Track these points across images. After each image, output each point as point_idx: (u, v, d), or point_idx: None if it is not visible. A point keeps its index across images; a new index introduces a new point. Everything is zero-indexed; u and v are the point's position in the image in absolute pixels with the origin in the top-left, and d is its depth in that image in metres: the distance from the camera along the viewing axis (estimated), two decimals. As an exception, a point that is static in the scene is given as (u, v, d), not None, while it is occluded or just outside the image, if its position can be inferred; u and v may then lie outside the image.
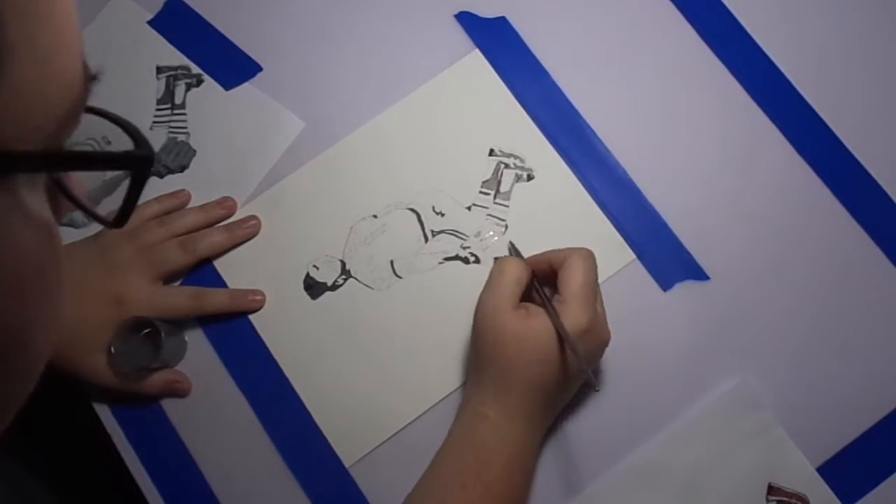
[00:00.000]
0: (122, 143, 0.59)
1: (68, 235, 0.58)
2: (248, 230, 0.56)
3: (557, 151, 0.57)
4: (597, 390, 0.46)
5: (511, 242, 0.54)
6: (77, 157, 0.21)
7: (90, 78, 0.23)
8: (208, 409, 0.54)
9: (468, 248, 0.56)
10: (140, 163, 0.25)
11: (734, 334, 0.54)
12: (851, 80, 0.57)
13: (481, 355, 0.49)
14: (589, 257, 0.49)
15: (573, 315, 0.47)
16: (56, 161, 0.21)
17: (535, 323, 0.47)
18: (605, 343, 0.49)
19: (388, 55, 0.59)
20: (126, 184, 0.25)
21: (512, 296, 0.48)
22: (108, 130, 0.51)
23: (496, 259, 0.53)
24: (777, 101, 0.57)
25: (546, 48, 0.59)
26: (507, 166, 0.57)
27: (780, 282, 0.54)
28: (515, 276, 0.49)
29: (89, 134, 0.62)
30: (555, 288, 0.49)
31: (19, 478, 0.58)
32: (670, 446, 0.52)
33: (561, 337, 0.47)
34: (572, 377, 0.49)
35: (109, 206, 0.61)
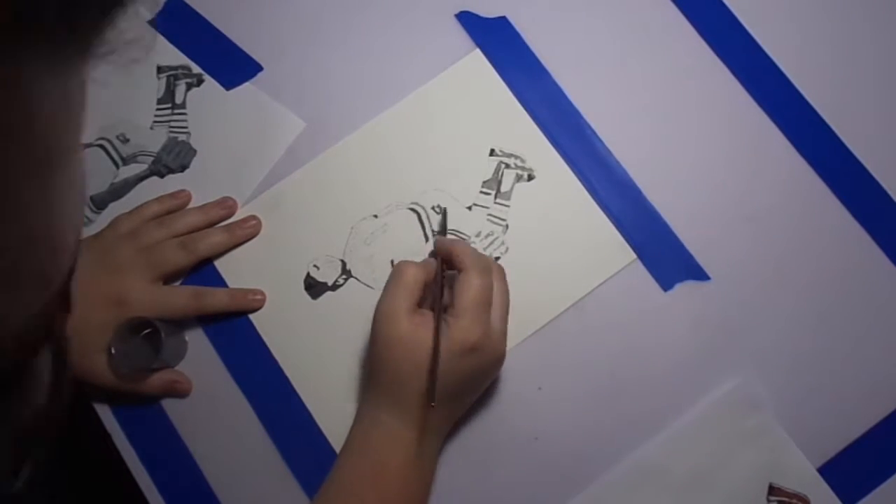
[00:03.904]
0: (139, 141, 0.59)
1: (68, 235, 0.58)
2: (248, 230, 0.56)
3: (558, 151, 0.57)
4: (432, 405, 0.44)
5: (444, 211, 0.54)
6: None
7: None
8: (208, 409, 0.54)
9: (468, 248, 0.55)
10: None
11: (735, 335, 0.54)
12: (853, 81, 0.57)
13: (374, 359, 0.49)
14: (484, 273, 0.48)
15: (463, 329, 0.46)
16: None
17: (424, 333, 0.47)
18: (498, 359, 0.49)
19: (389, 55, 0.59)
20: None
21: (405, 300, 0.48)
22: (125, 128, 0.51)
23: (394, 263, 0.52)
24: (778, 100, 0.57)
25: (547, 48, 0.59)
26: (507, 166, 0.57)
27: (781, 282, 0.54)
28: (411, 281, 0.48)
29: (103, 133, 0.62)
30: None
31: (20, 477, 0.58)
32: (671, 446, 0.52)
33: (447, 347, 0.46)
34: (466, 392, 0.49)
35: (116, 209, 0.62)
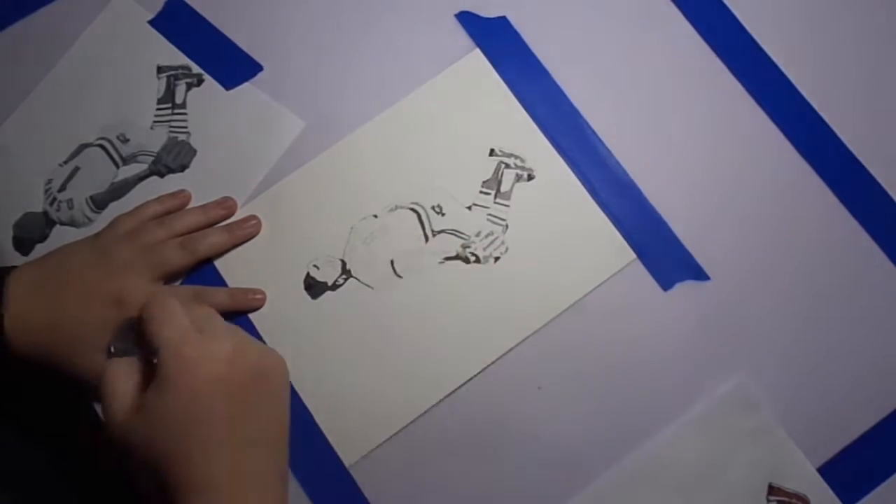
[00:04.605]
0: (140, 141, 0.59)
1: (68, 235, 0.58)
2: (248, 230, 0.56)
3: (558, 151, 0.57)
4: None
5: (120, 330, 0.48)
6: None
7: None
8: (208, 408, 0.54)
9: (469, 247, 0.56)
10: None
11: (735, 334, 0.54)
12: (853, 81, 0.58)
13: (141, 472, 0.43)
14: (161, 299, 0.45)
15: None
16: None
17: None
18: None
19: (388, 55, 0.59)
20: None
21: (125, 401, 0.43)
22: (125, 128, 0.51)
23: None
24: (778, 100, 0.57)
25: (547, 48, 0.59)
26: (507, 166, 0.57)
27: (781, 282, 0.54)
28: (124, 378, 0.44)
29: (103, 133, 0.63)
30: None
31: (20, 477, 0.58)
32: (670, 446, 0.52)
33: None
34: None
35: (116, 209, 0.62)
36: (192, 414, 0.41)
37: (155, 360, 0.43)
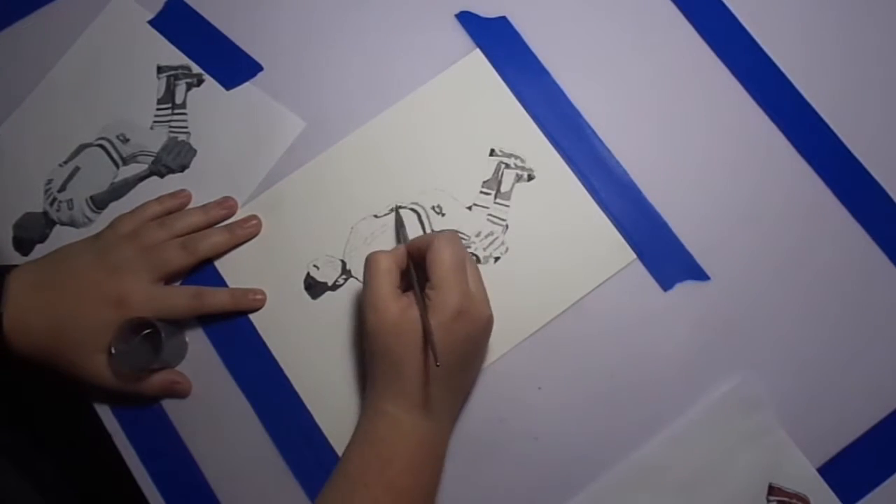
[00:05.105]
0: (140, 141, 0.59)
1: (68, 235, 0.58)
2: (248, 230, 0.56)
3: (558, 151, 0.57)
4: (438, 365, 0.44)
5: (397, 212, 0.55)
6: None
7: None
8: (208, 409, 0.54)
9: (469, 247, 0.55)
10: None
11: (735, 334, 0.54)
12: (854, 82, 0.58)
13: (371, 351, 0.49)
14: (452, 239, 0.49)
15: (443, 299, 0.47)
16: None
17: (412, 313, 0.47)
18: (486, 321, 0.49)
19: (389, 55, 0.59)
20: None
21: (386, 288, 0.48)
22: (125, 128, 0.52)
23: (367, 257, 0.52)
24: (778, 101, 0.57)
25: (547, 48, 0.59)
26: (507, 166, 0.57)
27: (781, 282, 0.54)
28: (386, 268, 0.49)
29: (103, 133, 0.63)
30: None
31: (22, 477, 0.58)
32: (670, 446, 0.52)
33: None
34: (465, 362, 0.49)
35: (117, 209, 0.62)
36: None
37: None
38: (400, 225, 0.55)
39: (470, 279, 0.49)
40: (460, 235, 0.56)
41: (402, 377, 0.48)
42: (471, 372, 0.52)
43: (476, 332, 0.49)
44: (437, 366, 0.44)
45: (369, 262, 0.50)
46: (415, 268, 0.50)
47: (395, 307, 0.48)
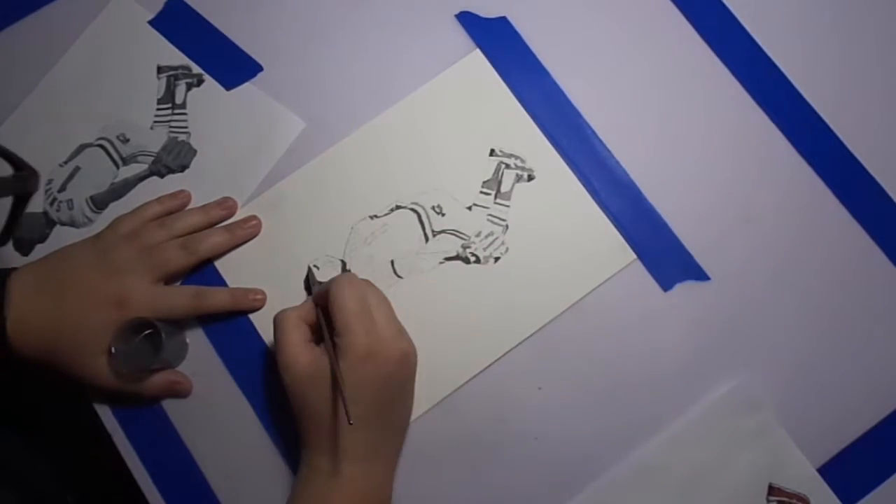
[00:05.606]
0: (140, 141, 0.59)
1: (68, 236, 0.58)
2: (248, 230, 0.56)
3: (558, 152, 0.57)
4: (351, 423, 0.43)
5: (309, 269, 0.55)
6: None
7: None
8: (208, 409, 0.54)
9: (469, 248, 0.56)
10: (18, 186, 0.24)
11: (735, 334, 0.54)
12: (853, 81, 0.58)
13: (294, 407, 0.49)
14: (351, 281, 0.49)
15: (349, 343, 0.47)
16: None
17: (324, 362, 0.47)
18: (400, 356, 0.48)
19: (389, 55, 0.59)
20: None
21: (294, 343, 0.48)
22: (125, 128, 0.52)
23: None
24: (777, 100, 0.57)
25: (547, 48, 0.59)
26: (507, 166, 0.57)
27: (781, 282, 0.54)
28: (293, 324, 0.49)
29: (103, 133, 0.63)
30: None
31: (23, 477, 0.58)
32: (671, 447, 0.52)
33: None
34: (388, 401, 0.49)
35: (117, 209, 0.62)
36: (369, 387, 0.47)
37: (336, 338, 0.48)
38: (312, 280, 0.55)
39: (377, 317, 0.48)
40: (460, 236, 0.56)
41: (326, 428, 0.47)
42: (399, 408, 0.51)
43: (391, 369, 0.48)
44: (350, 423, 0.43)
45: (276, 321, 0.50)
46: (325, 317, 0.50)
47: (305, 359, 0.48)
